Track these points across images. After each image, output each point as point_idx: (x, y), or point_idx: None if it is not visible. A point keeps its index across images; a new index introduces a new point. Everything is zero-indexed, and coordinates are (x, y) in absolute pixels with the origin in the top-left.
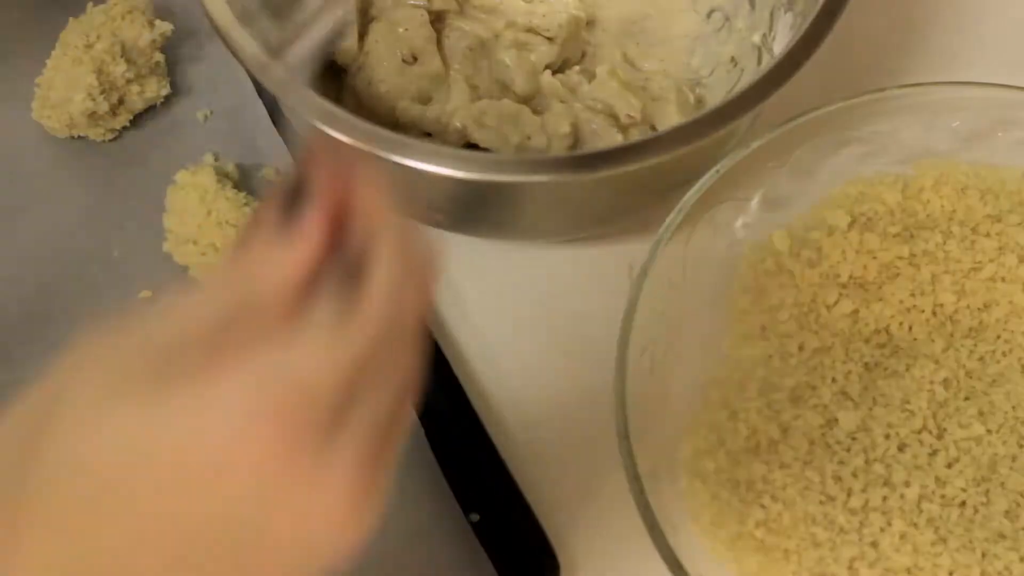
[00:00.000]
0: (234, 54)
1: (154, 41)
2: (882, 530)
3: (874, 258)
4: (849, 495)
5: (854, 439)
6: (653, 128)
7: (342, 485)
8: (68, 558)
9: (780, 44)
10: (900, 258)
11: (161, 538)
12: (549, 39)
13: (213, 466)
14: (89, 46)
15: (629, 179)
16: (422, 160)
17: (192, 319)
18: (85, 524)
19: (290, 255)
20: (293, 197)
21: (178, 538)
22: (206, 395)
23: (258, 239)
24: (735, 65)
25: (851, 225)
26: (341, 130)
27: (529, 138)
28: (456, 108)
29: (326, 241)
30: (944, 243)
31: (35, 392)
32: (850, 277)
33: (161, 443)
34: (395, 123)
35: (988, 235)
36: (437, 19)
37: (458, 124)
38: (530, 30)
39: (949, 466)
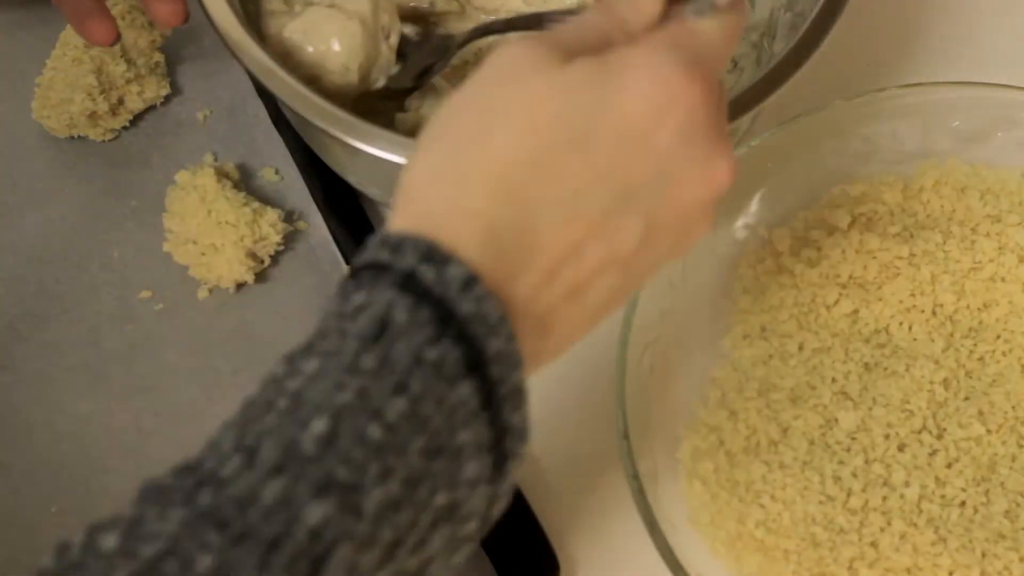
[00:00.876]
0: (234, 54)
1: (154, 41)
2: (882, 530)
3: (874, 258)
4: (849, 495)
5: (854, 439)
6: None
7: (730, 154)
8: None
9: (780, 44)
10: (900, 258)
11: (598, 185)
12: None
13: (652, 115)
14: (89, 46)
15: None
16: None
17: (585, 29)
18: (526, 176)
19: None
20: None
21: (611, 186)
22: (633, 61)
23: None
24: (735, 65)
25: (851, 225)
26: (342, 130)
27: None
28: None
29: None
30: (944, 243)
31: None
32: (850, 277)
33: (603, 104)
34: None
35: (988, 235)
36: (439, 21)
37: None
38: None
39: (949, 466)
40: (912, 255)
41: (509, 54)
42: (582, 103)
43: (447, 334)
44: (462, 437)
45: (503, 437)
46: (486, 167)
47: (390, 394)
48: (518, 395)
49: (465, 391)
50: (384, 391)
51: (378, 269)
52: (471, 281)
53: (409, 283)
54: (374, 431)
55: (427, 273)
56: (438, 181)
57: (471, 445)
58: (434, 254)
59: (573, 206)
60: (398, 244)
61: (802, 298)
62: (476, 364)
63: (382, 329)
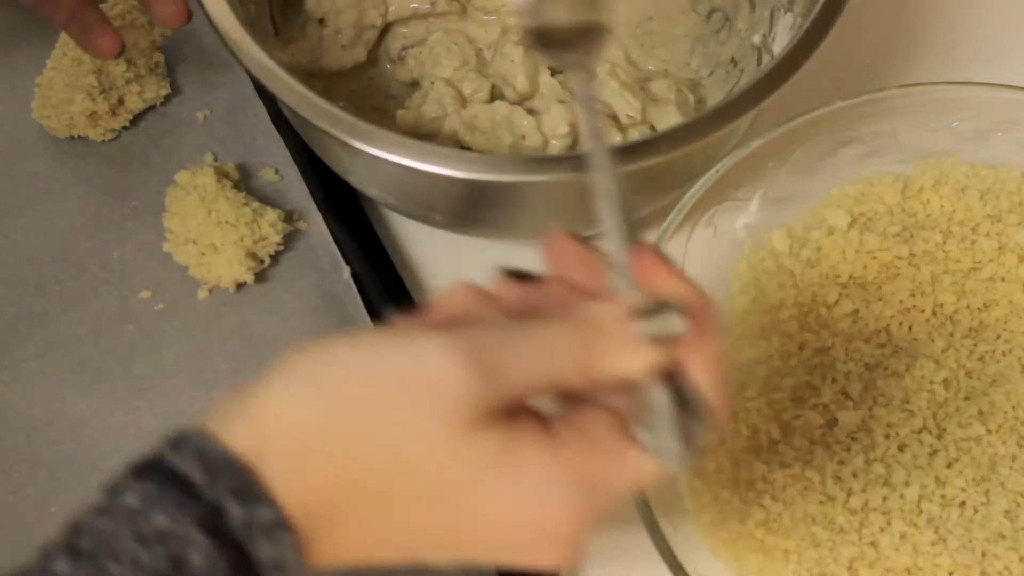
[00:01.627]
0: (234, 54)
1: (154, 41)
2: (882, 530)
3: (874, 258)
4: (849, 495)
5: (854, 439)
6: (653, 128)
7: (565, 560)
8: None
9: (780, 44)
10: (900, 258)
11: (421, 539)
12: None
13: (508, 526)
14: None
15: (629, 179)
16: (422, 160)
17: (546, 360)
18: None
19: (644, 359)
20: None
21: (436, 544)
22: (535, 472)
23: (619, 330)
24: (735, 65)
25: (851, 225)
26: (341, 130)
27: (524, 137)
28: (447, 114)
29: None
30: (944, 243)
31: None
32: (850, 277)
33: (476, 489)
34: (393, 128)
35: (988, 235)
36: (439, 22)
37: (449, 129)
38: None
39: (949, 466)
40: (912, 255)
41: (446, 378)
42: (461, 475)
43: None
44: None
45: None
46: (347, 459)
47: None
48: None
49: None
50: None
51: (185, 491)
52: (278, 526)
53: (214, 520)
54: None
55: (234, 512)
56: (298, 430)
57: None
58: (248, 491)
59: (391, 533)
60: (213, 467)
61: (802, 298)
62: None
63: (175, 569)
